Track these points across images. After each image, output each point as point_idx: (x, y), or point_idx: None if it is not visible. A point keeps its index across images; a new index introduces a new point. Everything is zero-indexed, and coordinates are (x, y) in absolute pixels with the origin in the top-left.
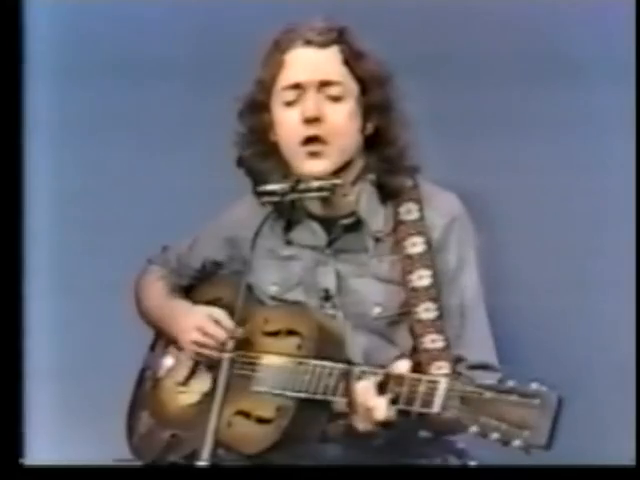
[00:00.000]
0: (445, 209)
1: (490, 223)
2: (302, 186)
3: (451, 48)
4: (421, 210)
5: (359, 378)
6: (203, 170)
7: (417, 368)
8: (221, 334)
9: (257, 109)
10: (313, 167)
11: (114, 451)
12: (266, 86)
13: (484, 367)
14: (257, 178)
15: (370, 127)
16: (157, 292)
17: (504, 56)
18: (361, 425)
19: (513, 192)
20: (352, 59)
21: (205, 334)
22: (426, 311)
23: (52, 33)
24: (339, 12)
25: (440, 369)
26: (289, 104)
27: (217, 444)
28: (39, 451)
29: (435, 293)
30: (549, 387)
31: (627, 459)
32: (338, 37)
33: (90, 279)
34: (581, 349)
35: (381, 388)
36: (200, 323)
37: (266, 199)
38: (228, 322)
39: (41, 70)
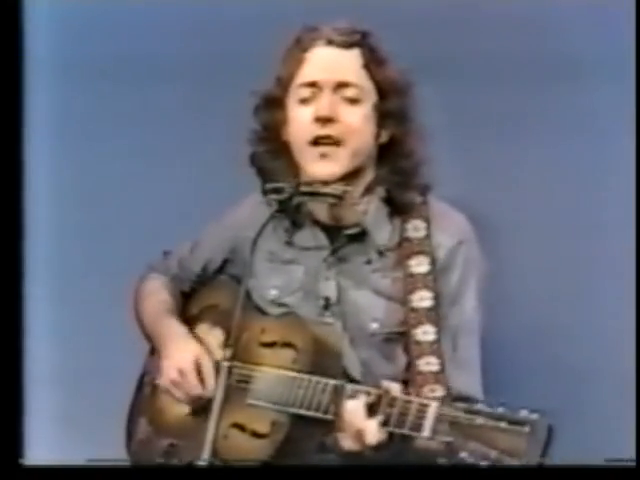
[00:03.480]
0: (453, 230)
1: (491, 233)
2: (310, 189)
3: (451, 52)
4: (428, 228)
5: (350, 397)
6: (205, 173)
7: (410, 388)
8: (196, 390)
9: (272, 105)
10: (322, 170)
11: (113, 455)
12: (283, 82)
13: (467, 399)
14: (267, 177)
15: (385, 135)
16: (154, 306)
17: (506, 59)
18: (348, 445)
19: (512, 200)
20: (372, 64)
21: (184, 380)
22: (424, 333)
23: (53, 33)
24: (349, 14)
25: (433, 392)
26: (303, 101)
27: (213, 455)
28: (39, 454)
29: (435, 316)
30: (540, 414)
31: (627, 459)
32: (360, 40)
33: (90, 283)
34: (582, 353)
35: (371, 409)
36: (184, 366)
37: (273, 197)
38: (210, 378)
39: (42, 71)
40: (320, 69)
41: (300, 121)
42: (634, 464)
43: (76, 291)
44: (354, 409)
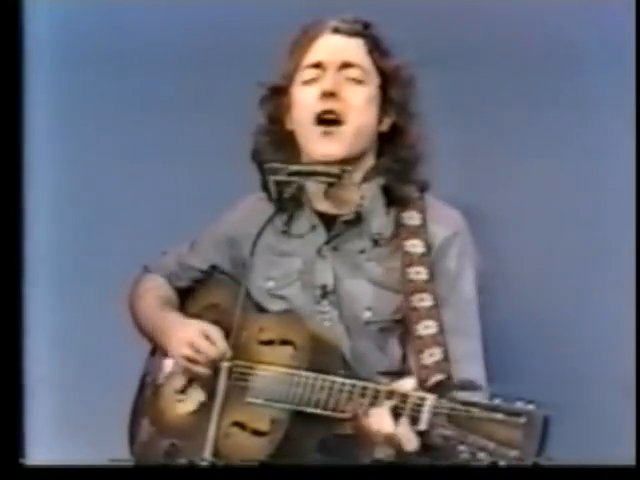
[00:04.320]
0: (448, 222)
1: (490, 228)
2: (309, 168)
3: (449, 46)
4: (424, 219)
5: (373, 398)
6: (207, 169)
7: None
8: (212, 352)
9: (277, 94)
10: (325, 148)
11: (113, 455)
12: (289, 72)
13: (471, 387)
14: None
15: (387, 123)
16: (150, 302)
17: (505, 53)
18: (382, 453)
19: (511, 195)
20: (377, 53)
21: (196, 350)
22: (421, 300)
23: (53, 26)
24: (352, 10)
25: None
26: (308, 82)
27: (214, 455)
28: (39, 454)
29: (431, 286)
30: (536, 405)
31: (627, 459)
32: (365, 30)
33: (90, 284)
34: (582, 352)
35: (395, 413)
36: (192, 339)
37: (272, 177)
38: (220, 340)
39: (41, 67)
40: (325, 52)
41: (305, 100)
42: (634, 464)
43: (76, 291)
44: (378, 417)
